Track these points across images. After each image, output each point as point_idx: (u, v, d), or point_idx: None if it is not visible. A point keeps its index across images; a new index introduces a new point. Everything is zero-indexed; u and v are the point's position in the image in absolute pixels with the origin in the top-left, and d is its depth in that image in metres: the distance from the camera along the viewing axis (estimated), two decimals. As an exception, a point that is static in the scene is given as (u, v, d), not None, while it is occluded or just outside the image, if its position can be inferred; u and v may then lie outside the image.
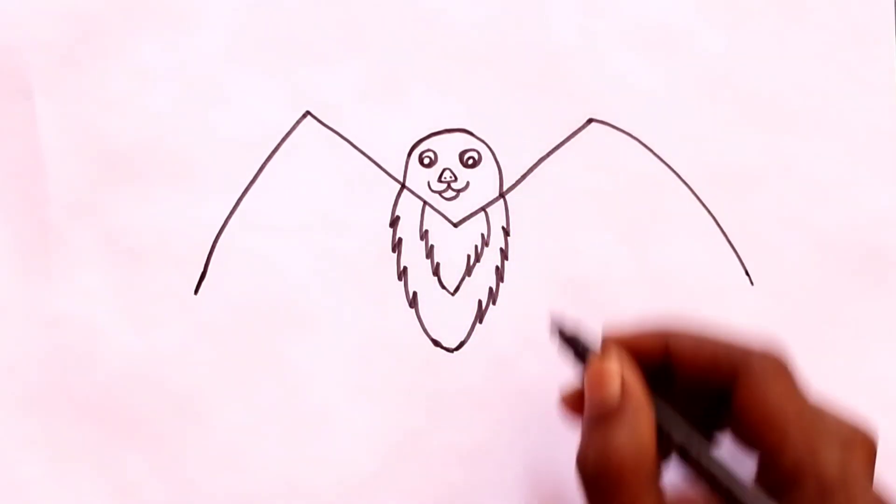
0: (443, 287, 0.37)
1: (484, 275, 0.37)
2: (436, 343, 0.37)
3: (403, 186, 0.37)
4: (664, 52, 0.37)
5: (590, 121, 0.37)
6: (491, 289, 0.37)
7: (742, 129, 0.37)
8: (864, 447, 0.29)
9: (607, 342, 0.31)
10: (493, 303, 0.37)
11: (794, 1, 0.37)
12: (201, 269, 0.36)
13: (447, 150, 0.37)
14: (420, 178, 0.37)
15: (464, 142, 0.37)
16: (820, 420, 0.29)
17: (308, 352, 0.36)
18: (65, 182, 0.36)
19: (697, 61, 0.37)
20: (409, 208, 0.37)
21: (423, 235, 0.37)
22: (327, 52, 0.37)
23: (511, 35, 0.37)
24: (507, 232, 0.37)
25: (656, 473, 0.29)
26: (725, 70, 0.37)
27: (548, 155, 0.37)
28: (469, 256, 0.37)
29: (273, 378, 0.36)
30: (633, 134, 0.37)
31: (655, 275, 0.37)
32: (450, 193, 0.37)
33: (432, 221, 0.37)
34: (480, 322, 0.37)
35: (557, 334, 0.32)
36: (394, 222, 0.37)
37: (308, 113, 0.37)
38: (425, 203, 0.37)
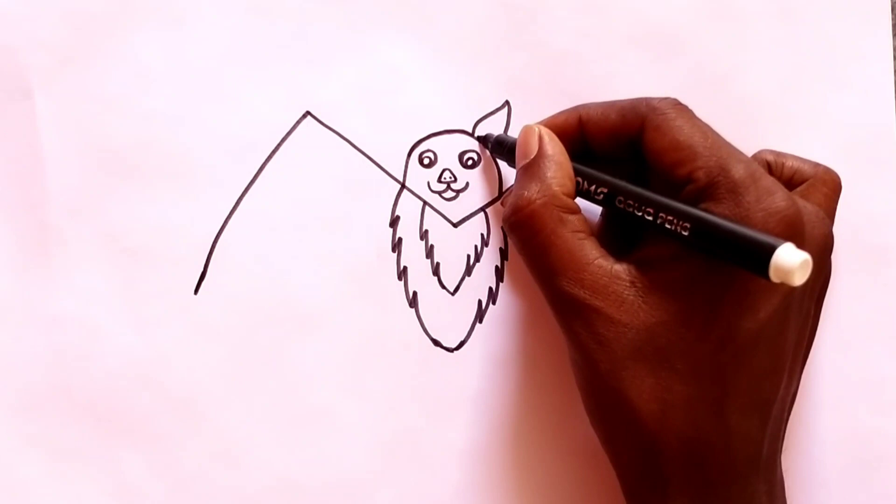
0: (443, 287, 0.37)
1: (484, 275, 0.37)
2: (436, 343, 0.37)
3: (403, 186, 0.37)
4: (663, 53, 0.37)
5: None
6: (491, 289, 0.37)
7: (741, 129, 0.37)
8: (822, 178, 0.33)
9: (529, 124, 0.34)
10: (493, 303, 0.37)
11: (791, 1, 0.37)
12: (201, 269, 0.36)
13: (447, 151, 0.37)
14: (420, 178, 0.37)
15: (463, 142, 0.37)
16: (727, 144, 0.31)
17: (308, 352, 0.36)
18: (65, 182, 0.36)
19: (696, 61, 0.37)
20: (408, 208, 0.37)
21: (423, 235, 0.37)
22: (327, 52, 0.37)
23: (510, 35, 0.37)
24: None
25: (574, 213, 0.32)
26: (723, 70, 0.37)
27: (548, 155, 0.37)
28: (469, 256, 0.37)
29: (273, 378, 0.36)
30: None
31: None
32: (450, 194, 0.37)
33: (432, 221, 0.37)
34: (480, 322, 0.37)
35: (488, 144, 0.36)
36: (394, 222, 0.37)
37: (308, 113, 0.37)
38: (425, 203, 0.37)
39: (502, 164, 0.37)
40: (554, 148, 0.33)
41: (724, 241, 0.28)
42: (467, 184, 0.37)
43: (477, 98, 0.37)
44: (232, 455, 0.36)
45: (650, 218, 0.30)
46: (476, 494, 0.36)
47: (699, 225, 0.29)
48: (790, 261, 0.26)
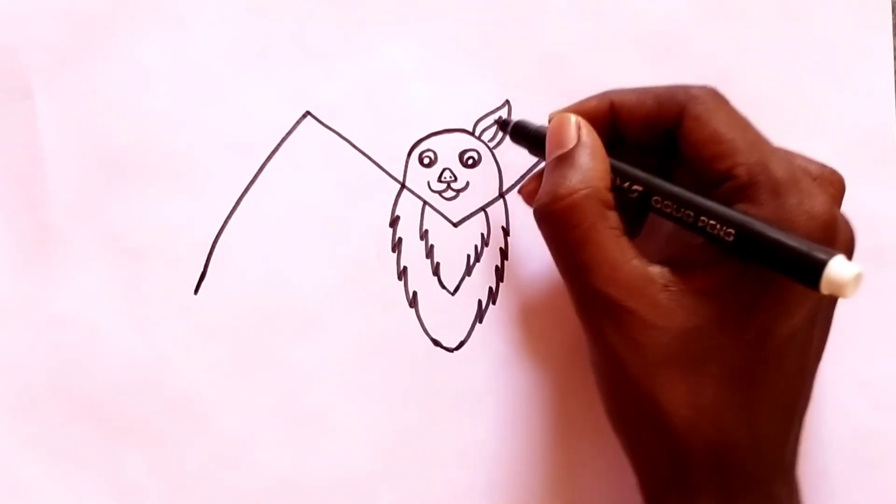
0: (443, 287, 0.37)
1: (484, 275, 0.37)
2: (436, 343, 0.37)
3: (403, 186, 0.37)
4: (663, 53, 0.37)
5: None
6: (491, 289, 0.37)
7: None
8: (829, 178, 0.32)
9: (560, 112, 0.33)
10: (493, 303, 0.37)
11: (792, 1, 0.37)
12: (201, 269, 0.36)
13: (447, 150, 0.37)
14: (420, 177, 0.37)
15: (464, 142, 0.37)
16: (766, 140, 0.30)
17: (308, 351, 0.36)
18: (65, 182, 0.36)
19: (696, 61, 0.37)
20: (408, 208, 0.37)
21: (423, 235, 0.37)
22: (327, 52, 0.37)
23: (511, 35, 0.37)
24: (507, 232, 0.37)
25: (612, 209, 0.30)
26: (724, 70, 0.37)
27: (548, 155, 0.37)
28: (469, 256, 0.37)
29: (273, 378, 0.36)
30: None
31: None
32: (450, 193, 0.37)
33: (432, 221, 0.37)
34: (480, 322, 0.37)
35: (506, 129, 0.35)
36: (394, 222, 0.37)
37: (308, 113, 0.37)
38: (425, 203, 0.37)
39: (503, 164, 0.37)
40: (593, 138, 0.31)
41: (771, 250, 0.27)
42: (467, 183, 0.37)
43: (477, 97, 0.37)
44: (232, 455, 0.36)
45: (690, 220, 0.29)
46: (476, 494, 0.36)
47: (744, 231, 0.28)
48: (844, 274, 0.26)
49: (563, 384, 0.36)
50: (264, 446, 0.36)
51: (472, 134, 0.37)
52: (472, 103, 0.37)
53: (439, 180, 0.37)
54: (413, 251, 0.37)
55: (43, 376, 0.36)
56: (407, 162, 0.37)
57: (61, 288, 0.36)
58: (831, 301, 0.31)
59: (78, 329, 0.36)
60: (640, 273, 0.29)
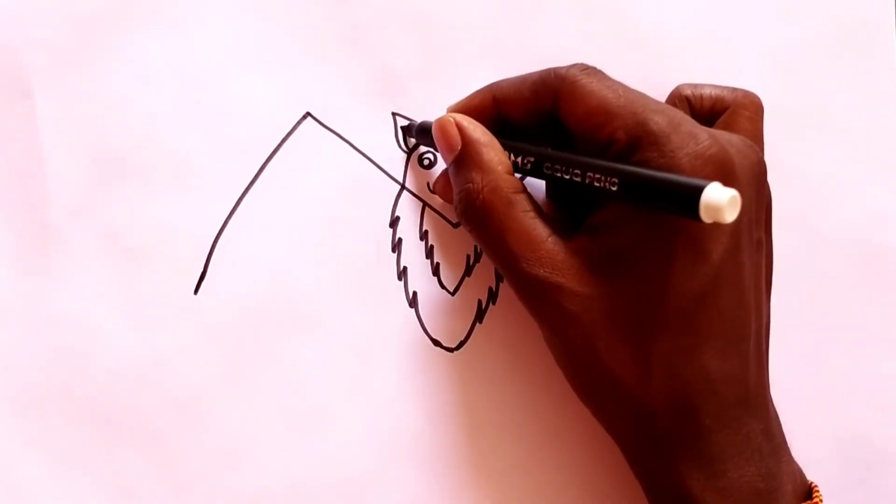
0: (443, 287, 0.37)
1: (484, 275, 0.37)
2: (436, 343, 0.37)
3: (403, 187, 0.37)
4: (663, 53, 0.37)
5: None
6: (491, 289, 0.37)
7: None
8: (742, 102, 0.33)
9: (447, 111, 0.35)
10: (493, 303, 0.37)
11: (793, 1, 0.37)
12: (201, 269, 0.36)
13: (447, 151, 0.37)
14: (420, 178, 0.37)
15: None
16: (641, 96, 0.31)
17: (308, 352, 0.36)
18: (65, 182, 0.36)
19: (697, 61, 0.37)
20: (408, 209, 0.37)
21: (423, 236, 0.37)
22: (327, 52, 0.37)
23: (510, 36, 0.37)
24: (506, 232, 0.37)
25: (520, 192, 0.32)
26: (724, 70, 0.37)
27: (548, 155, 0.37)
28: (469, 256, 0.37)
29: (273, 378, 0.36)
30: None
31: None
32: (450, 193, 0.37)
33: (432, 222, 0.37)
34: (480, 322, 0.37)
35: (411, 134, 0.36)
36: (394, 222, 0.37)
37: (308, 113, 0.37)
38: (425, 203, 0.37)
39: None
40: (477, 132, 0.33)
41: (652, 189, 0.28)
42: (467, 184, 0.37)
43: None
44: (232, 455, 0.36)
45: (578, 179, 0.30)
46: (476, 494, 0.36)
47: (625, 177, 0.29)
48: (718, 199, 0.26)
49: (562, 384, 0.36)
50: (264, 446, 0.36)
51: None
52: (472, 103, 0.37)
53: (439, 180, 0.37)
54: (413, 251, 0.37)
55: (43, 376, 0.36)
56: (407, 163, 0.37)
57: (61, 288, 0.36)
58: (756, 225, 0.31)
59: (78, 329, 0.36)
60: (560, 247, 0.31)
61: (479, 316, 0.37)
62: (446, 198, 0.36)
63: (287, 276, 0.36)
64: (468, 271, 0.37)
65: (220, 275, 0.36)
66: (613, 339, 0.30)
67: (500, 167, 0.32)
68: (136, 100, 0.36)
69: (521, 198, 0.32)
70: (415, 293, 0.37)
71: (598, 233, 0.31)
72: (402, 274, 0.37)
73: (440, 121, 0.33)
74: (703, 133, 0.29)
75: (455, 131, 0.33)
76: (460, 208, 0.33)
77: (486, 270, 0.37)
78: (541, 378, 0.36)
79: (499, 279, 0.37)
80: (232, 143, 0.37)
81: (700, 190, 0.27)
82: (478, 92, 0.34)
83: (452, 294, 0.37)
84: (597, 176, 0.30)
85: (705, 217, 0.27)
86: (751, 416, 0.31)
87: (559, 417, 0.37)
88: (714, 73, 0.37)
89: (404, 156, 0.37)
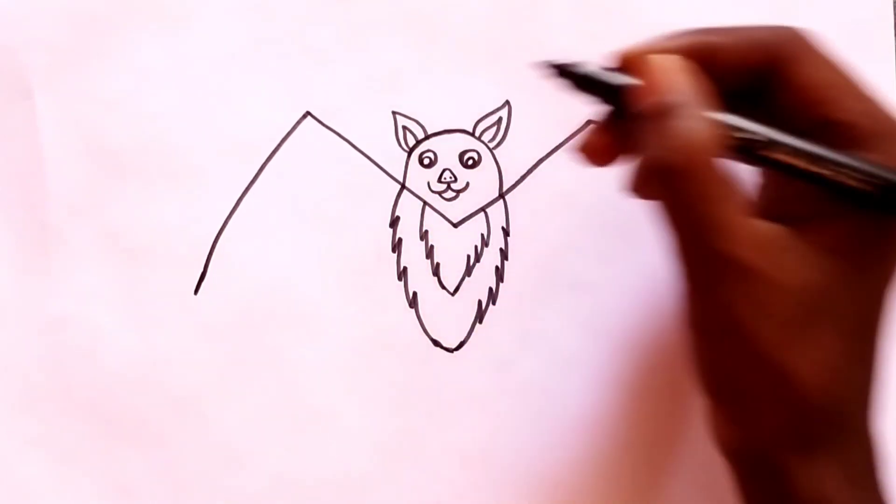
0: (443, 287, 0.37)
1: (484, 275, 0.37)
2: (436, 343, 0.37)
3: (403, 187, 0.37)
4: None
5: (588, 122, 0.37)
6: (491, 289, 0.37)
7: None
8: None
9: (639, 53, 0.29)
10: (493, 303, 0.37)
11: (792, 1, 0.37)
12: (201, 269, 0.36)
13: (447, 151, 0.37)
14: (420, 178, 0.37)
15: (464, 142, 0.37)
16: (866, 86, 0.28)
17: (308, 352, 0.36)
18: (65, 182, 0.36)
19: (697, 62, 0.37)
20: (409, 208, 0.37)
21: (423, 235, 0.37)
22: (327, 52, 0.37)
23: (510, 36, 0.37)
24: (507, 232, 0.37)
25: (722, 162, 0.28)
26: (725, 70, 0.37)
27: (547, 155, 0.37)
28: (469, 256, 0.37)
29: (273, 378, 0.36)
30: (633, 134, 0.37)
31: (652, 273, 0.37)
32: (450, 194, 0.37)
33: (432, 221, 0.37)
34: (480, 322, 0.37)
35: (566, 75, 0.29)
36: (394, 222, 0.37)
37: (308, 113, 0.37)
38: (425, 203, 0.37)
39: (503, 164, 0.37)
40: (701, 83, 0.28)
41: None
42: (467, 184, 0.37)
43: (477, 97, 0.37)
44: (232, 455, 0.36)
45: (825, 175, 0.27)
46: (476, 495, 0.36)
47: (889, 183, 0.27)
48: None
49: (562, 384, 0.36)
50: (264, 446, 0.36)
51: (472, 134, 0.37)
52: (472, 103, 0.37)
53: (439, 181, 0.37)
54: (413, 251, 0.37)
55: (43, 376, 0.36)
56: (407, 162, 0.37)
57: (61, 288, 0.36)
58: None
59: (78, 329, 0.36)
60: (764, 231, 0.27)
61: (479, 316, 0.37)
62: (594, 158, 0.30)
63: (287, 276, 0.36)
64: (468, 271, 0.37)
65: (220, 275, 0.36)
66: (801, 338, 0.27)
67: (716, 132, 0.27)
68: (136, 100, 0.36)
69: (730, 174, 0.28)
70: (415, 293, 0.37)
71: (803, 225, 0.28)
72: (402, 274, 0.37)
73: (666, 59, 0.28)
74: None
75: (682, 78, 0.28)
76: (657, 155, 0.27)
77: (486, 270, 0.37)
78: (541, 378, 0.36)
79: (499, 279, 0.37)
80: (232, 143, 0.37)
81: None
82: (682, 34, 0.30)
83: (452, 294, 0.37)
84: (854, 175, 0.27)
85: None
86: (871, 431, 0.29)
87: (559, 417, 0.36)
88: (714, 73, 0.37)
89: (404, 155, 0.37)
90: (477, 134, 0.37)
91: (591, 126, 0.31)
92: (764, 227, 0.27)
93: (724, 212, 0.27)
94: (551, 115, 0.37)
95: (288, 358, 0.36)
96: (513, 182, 0.37)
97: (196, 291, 0.36)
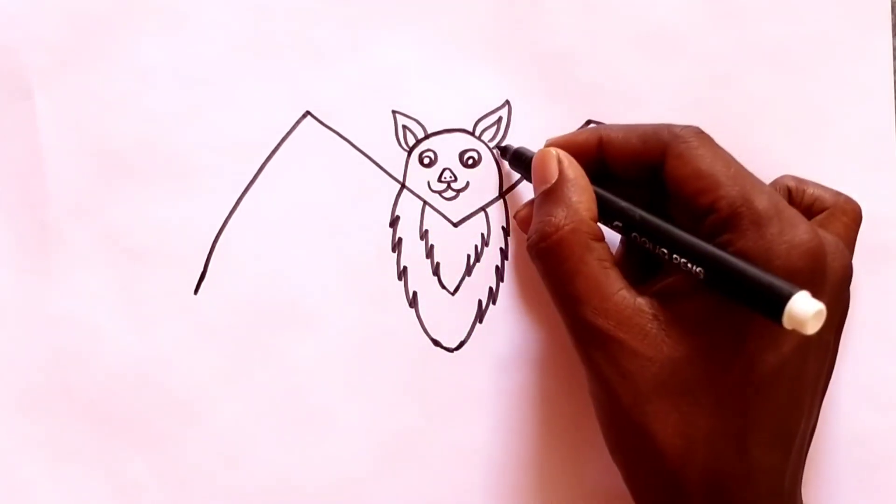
0: (443, 287, 0.37)
1: (484, 275, 0.37)
2: (436, 343, 0.37)
3: (403, 186, 0.37)
4: (663, 53, 0.37)
5: (588, 122, 0.37)
6: (491, 289, 0.37)
7: (741, 128, 0.37)
8: (843, 207, 0.33)
9: (546, 143, 0.34)
10: (493, 303, 0.37)
11: (791, 1, 0.37)
12: (201, 269, 0.36)
13: (447, 150, 0.37)
14: (420, 177, 0.37)
15: (464, 142, 0.37)
16: (750, 175, 0.30)
17: (308, 352, 0.36)
18: (65, 182, 0.36)
19: (697, 61, 0.37)
20: (408, 208, 0.37)
21: (423, 235, 0.37)
22: (327, 52, 0.37)
23: (511, 35, 0.37)
24: (507, 232, 0.37)
25: (599, 239, 0.31)
26: (724, 70, 0.37)
27: (548, 155, 0.37)
28: (469, 256, 0.37)
29: (273, 378, 0.36)
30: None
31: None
32: (450, 193, 0.37)
33: (432, 221, 0.37)
34: (480, 322, 0.37)
35: (506, 155, 0.36)
36: (394, 222, 0.37)
37: (308, 113, 0.37)
38: (425, 203, 0.37)
39: (503, 164, 0.37)
40: (575, 172, 0.32)
41: (738, 285, 0.28)
42: (467, 183, 0.37)
43: (477, 97, 0.37)
44: (232, 455, 0.36)
45: (665, 256, 0.30)
46: (476, 494, 0.36)
47: (714, 267, 0.28)
48: (804, 310, 0.26)
49: (562, 384, 0.36)
50: (264, 446, 0.36)
51: (472, 134, 0.37)
52: (472, 103, 0.37)
53: (439, 180, 0.37)
54: (413, 251, 0.37)
55: (43, 376, 0.36)
56: (407, 162, 0.37)
57: (61, 288, 0.36)
58: (828, 329, 0.31)
59: (78, 329, 0.36)
60: (628, 303, 0.30)
61: (479, 316, 0.37)
62: (524, 228, 0.35)
63: (287, 276, 0.36)
64: (468, 271, 0.37)
65: (220, 275, 0.36)
66: (663, 406, 0.29)
67: (586, 212, 0.31)
68: (136, 100, 0.36)
69: (599, 246, 0.31)
70: (415, 293, 0.37)
71: (670, 297, 0.30)
72: (402, 274, 0.37)
73: (543, 152, 0.33)
74: (804, 224, 0.29)
75: (555, 165, 0.32)
76: (534, 239, 0.32)
77: (486, 270, 0.37)
78: (540, 378, 0.36)
79: (499, 279, 0.37)
80: (232, 143, 0.37)
81: (787, 298, 0.26)
82: (583, 130, 0.34)
83: (452, 294, 0.37)
84: (683, 261, 0.29)
85: (787, 324, 0.26)
86: None
87: (559, 417, 0.36)
88: (714, 72, 0.37)
89: (404, 155, 0.37)
90: (477, 133, 0.37)
91: (528, 201, 0.35)
92: (631, 300, 0.30)
93: (589, 286, 0.30)
94: (551, 115, 0.37)
95: (288, 358, 0.36)
96: (513, 182, 0.37)
97: (196, 291, 0.36)
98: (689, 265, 0.29)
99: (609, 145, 0.33)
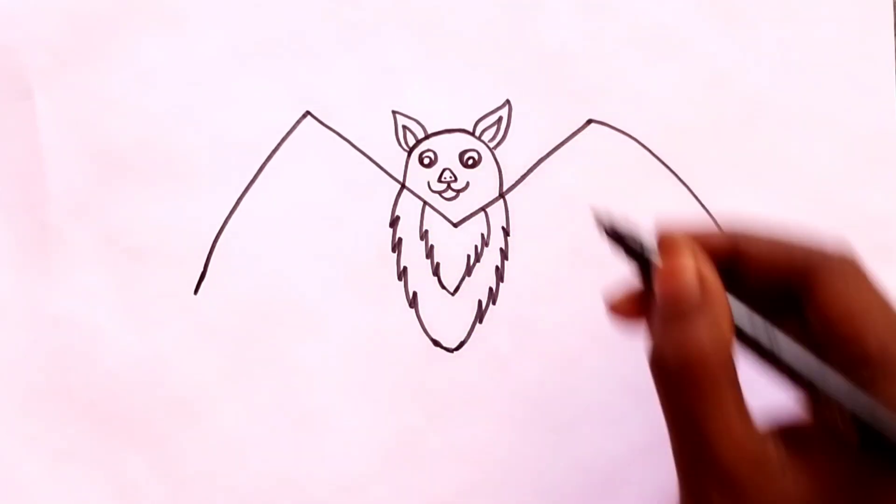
0: (443, 287, 0.37)
1: (484, 275, 0.37)
2: (436, 343, 0.37)
3: (403, 186, 0.37)
4: (663, 53, 0.37)
5: (589, 121, 0.37)
6: (491, 289, 0.37)
7: (741, 129, 0.37)
8: None
9: (675, 238, 0.29)
10: (493, 303, 0.37)
11: (792, 1, 0.37)
12: (201, 269, 0.36)
13: (447, 151, 0.37)
14: (420, 178, 0.37)
15: (464, 142, 0.37)
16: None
17: (308, 352, 0.36)
18: (65, 182, 0.36)
19: (697, 61, 0.37)
20: (409, 208, 0.37)
21: (423, 235, 0.37)
22: (327, 52, 0.37)
23: (511, 35, 0.37)
24: (507, 232, 0.37)
25: (736, 371, 0.27)
26: (724, 70, 0.37)
27: (547, 155, 0.37)
28: (469, 256, 0.37)
29: (273, 378, 0.36)
30: (632, 134, 0.37)
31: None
32: (450, 193, 0.37)
33: (432, 221, 0.37)
34: (480, 322, 0.37)
35: (607, 233, 0.29)
36: (394, 222, 0.37)
37: (308, 113, 0.37)
38: (425, 203, 0.37)
39: (503, 164, 0.37)
40: (719, 289, 0.28)
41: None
42: (467, 183, 0.37)
43: (477, 97, 0.37)
44: (232, 455, 0.36)
45: (810, 399, 0.27)
46: (476, 494, 0.36)
47: (869, 425, 0.26)
48: None
49: (562, 384, 0.36)
50: (264, 446, 0.36)
51: (472, 134, 0.37)
52: (472, 103, 0.37)
53: (439, 180, 0.37)
54: (413, 251, 0.37)
55: (43, 376, 0.36)
56: (407, 162, 0.37)
57: (61, 288, 0.36)
58: None
59: (78, 329, 0.36)
60: (761, 448, 0.27)
61: (479, 316, 0.37)
62: (619, 318, 0.30)
63: (287, 276, 0.36)
64: (468, 271, 0.37)
65: (220, 275, 0.36)
66: None
67: (729, 339, 0.27)
68: (136, 100, 0.36)
69: (736, 381, 0.27)
70: (415, 293, 0.37)
71: (802, 448, 0.27)
72: (402, 274, 0.37)
73: (682, 266, 0.28)
74: None
75: (695, 281, 0.28)
76: (666, 354, 0.27)
77: (486, 270, 0.37)
78: (541, 378, 0.36)
79: (499, 279, 0.37)
80: (232, 143, 0.37)
81: None
82: (718, 233, 0.30)
83: (452, 294, 0.37)
84: (837, 418, 0.26)
85: None
86: None
87: (559, 418, 0.36)
88: (714, 71, 0.37)
89: (404, 155, 0.37)
90: (477, 133, 0.37)
91: (628, 288, 0.30)
92: (756, 442, 0.27)
93: (726, 423, 0.27)
94: (551, 115, 0.37)
95: (288, 358, 0.36)
96: (513, 182, 0.37)
97: (196, 291, 0.36)
98: (846, 422, 0.26)
99: (749, 259, 0.29)
